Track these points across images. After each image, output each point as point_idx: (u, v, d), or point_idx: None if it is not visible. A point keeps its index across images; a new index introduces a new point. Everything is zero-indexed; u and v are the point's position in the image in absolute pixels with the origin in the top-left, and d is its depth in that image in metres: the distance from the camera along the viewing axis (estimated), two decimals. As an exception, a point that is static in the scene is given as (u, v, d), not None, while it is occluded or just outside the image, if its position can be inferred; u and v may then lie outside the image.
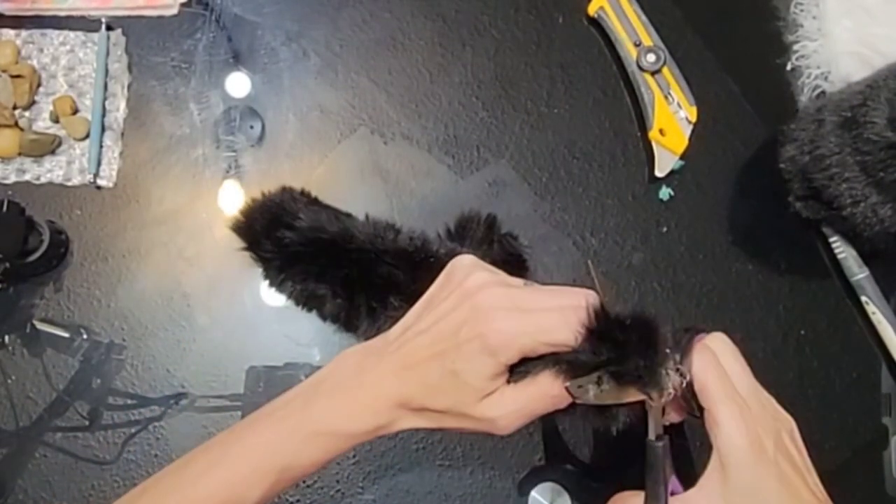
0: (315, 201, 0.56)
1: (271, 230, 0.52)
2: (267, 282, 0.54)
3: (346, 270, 0.52)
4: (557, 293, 0.43)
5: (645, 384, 0.43)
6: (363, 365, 0.47)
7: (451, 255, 0.49)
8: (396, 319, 0.48)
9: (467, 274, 0.45)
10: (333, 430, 0.45)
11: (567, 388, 0.43)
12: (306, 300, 0.53)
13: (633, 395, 0.44)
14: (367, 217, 0.55)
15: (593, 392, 0.43)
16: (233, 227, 0.54)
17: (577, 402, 0.44)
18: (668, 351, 0.44)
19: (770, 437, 0.43)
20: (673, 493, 0.45)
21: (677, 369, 0.44)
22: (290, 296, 0.54)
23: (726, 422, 0.42)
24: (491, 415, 0.43)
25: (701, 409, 0.44)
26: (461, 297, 0.44)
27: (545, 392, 0.43)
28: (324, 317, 0.53)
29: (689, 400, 0.45)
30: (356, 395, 0.46)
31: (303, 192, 0.56)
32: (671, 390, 0.43)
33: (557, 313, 0.42)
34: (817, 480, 0.45)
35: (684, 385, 0.44)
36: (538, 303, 0.43)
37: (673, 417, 0.47)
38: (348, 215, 0.55)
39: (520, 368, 0.44)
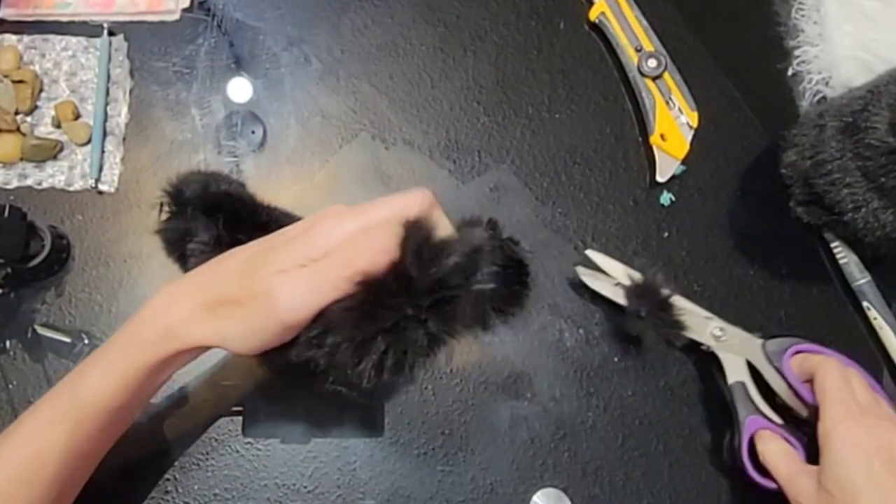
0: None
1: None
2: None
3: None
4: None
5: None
6: (185, 276, 0.47)
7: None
8: None
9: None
10: (121, 343, 0.45)
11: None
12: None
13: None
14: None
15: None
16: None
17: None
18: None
19: (880, 451, 0.47)
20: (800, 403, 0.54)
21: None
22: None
23: (834, 427, 0.48)
24: (282, 281, 0.40)
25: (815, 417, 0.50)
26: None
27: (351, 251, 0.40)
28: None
29: (797, 397, 0.53)
30: (150, 302, 0.45)
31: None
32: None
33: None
34: None
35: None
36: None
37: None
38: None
39: None
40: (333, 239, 0.41)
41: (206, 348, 0.46)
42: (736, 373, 0.55)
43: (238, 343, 0.43)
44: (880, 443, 0.47)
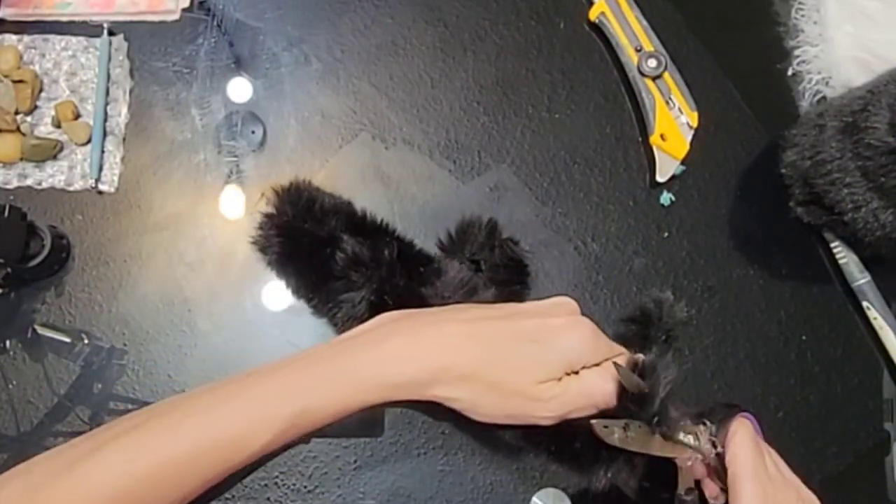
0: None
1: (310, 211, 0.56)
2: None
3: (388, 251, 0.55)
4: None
5: (663, 434, 0.46)
6: (419, 323, 0.49)
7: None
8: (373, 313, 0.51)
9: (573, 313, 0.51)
10: (357, 377, 0.46)
11: (593, 427, 0.47)
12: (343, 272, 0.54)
13: (659, 451, 0.47)
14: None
15: (618, 435, 0.47)
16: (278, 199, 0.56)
17: (605, 440, 0.47)
18: (698, 418, 0.47)
19: None
20: None
21: (711, 441, 0.47)
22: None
23: (747, 500, 0.44)
24: (548, 395, 0.46)
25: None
26: (569, 320, 0.49)
27: (591, 394, 0.47)
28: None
29: (723, 476, 0.47)
30: (404, 346, 0.47)
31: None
32: (696, 454, 0.47)
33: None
34: None
35: (714, 454, 0.47)
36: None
37: (711, 492, 0.50)
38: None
39: None
40: (588, 357, 0.48)
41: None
42: (686, 481, 0.49)
43: (482, 416, 0.48)
44: None
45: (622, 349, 0.51)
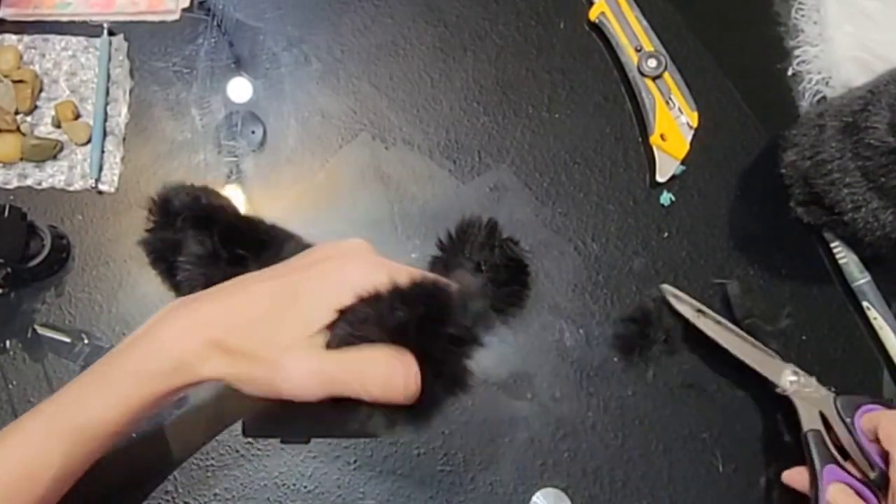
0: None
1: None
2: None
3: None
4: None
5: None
6: (194, 304, 0.45)
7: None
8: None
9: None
10: (130, 371, 0.44)
11: (662, 292, 0.54)
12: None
13: (739, 351, 0.57)
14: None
15: (691, 315, 0.57)
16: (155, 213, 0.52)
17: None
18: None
19: None
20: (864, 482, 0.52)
21: (837, 409, 0.54)
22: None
23: None
24: (291, 365, 0.42)
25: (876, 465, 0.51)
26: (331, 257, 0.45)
27: (339, 376, 0.43)
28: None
29: (857, 452, 0.53)
30: (162, 332, 0.44)
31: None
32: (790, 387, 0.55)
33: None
34: None
35: (843, 425, 0.53)
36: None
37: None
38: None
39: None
40: (346, 300, 0.42)
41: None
42: (811, 421, 0.54)
43: (248, 390, 0.44)
44: None
45: (413, 271, 0.44)
